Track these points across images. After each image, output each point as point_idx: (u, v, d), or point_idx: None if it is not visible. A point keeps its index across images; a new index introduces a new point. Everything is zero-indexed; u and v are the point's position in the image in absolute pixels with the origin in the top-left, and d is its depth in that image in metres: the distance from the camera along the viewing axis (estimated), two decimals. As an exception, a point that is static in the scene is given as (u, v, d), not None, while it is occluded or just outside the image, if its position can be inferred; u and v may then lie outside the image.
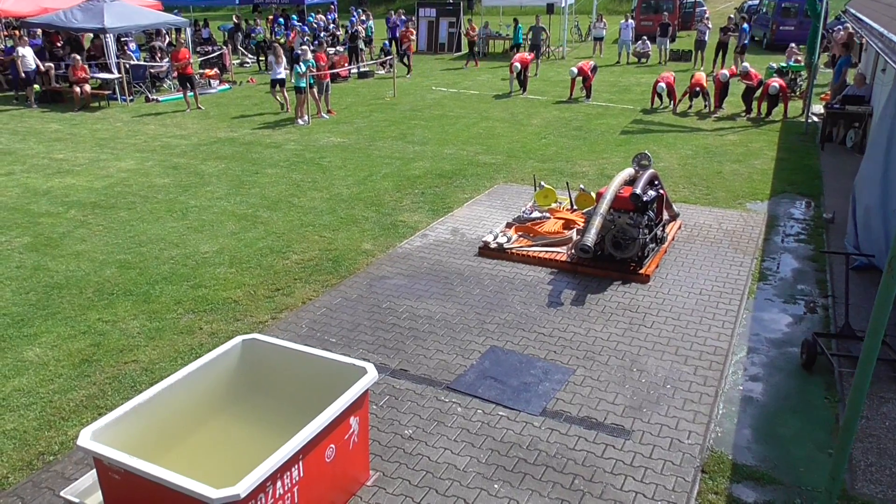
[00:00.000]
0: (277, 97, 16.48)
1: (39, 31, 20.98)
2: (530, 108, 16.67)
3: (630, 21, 24.23)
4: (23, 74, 17.62)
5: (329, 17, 26.69)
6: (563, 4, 25.31)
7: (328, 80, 16.47)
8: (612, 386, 5.53)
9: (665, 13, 25.74)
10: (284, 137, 14.06)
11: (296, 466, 3.73)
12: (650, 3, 29.34)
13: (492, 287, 7.33)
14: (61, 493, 4.11)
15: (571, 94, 17.52)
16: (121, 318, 6.72)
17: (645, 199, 7.34)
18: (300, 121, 15.18)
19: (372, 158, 12.33)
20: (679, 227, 8.70)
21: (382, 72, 22.21)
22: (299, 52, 15.73)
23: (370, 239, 8.65)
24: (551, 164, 11.73)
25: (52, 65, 18.89)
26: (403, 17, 24.80)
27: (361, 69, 22.11)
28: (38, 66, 18.05)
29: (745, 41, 20.47)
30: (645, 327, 6.44)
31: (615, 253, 7.44)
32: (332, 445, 4.04)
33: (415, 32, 23.60)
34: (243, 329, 6.42)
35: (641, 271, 7.41)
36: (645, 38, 24.26)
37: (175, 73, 17.81)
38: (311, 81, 15.23)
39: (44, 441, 5.01)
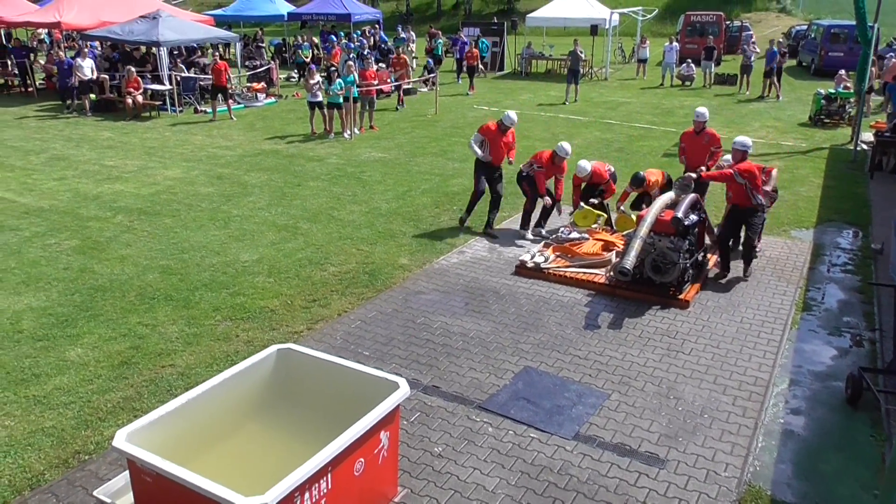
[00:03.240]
0: (313, 124, 16.02)
1: (98, 43, 21.72)
2: (572, 128, 16.61)
3: (675, 44, 24.05)
4: (77, 83, 18.21)
5: (373, 32, 27.03)
6: (606, 26, 25.26)
7: (373, 96, 16.64)
8: (648, 413, 5.42)
9: (710, 36, 25.48)
10: (327, 151, 14.24)
11: (325, 478, 3.73)
12: (695, 27, 29.10)
13: (527, 307, 7.27)
14: (94, 493, 4.17)
15: (558, 198, 9.35)
16: (160, 323, 6.84)
17: (686, 223, 7.23)
18: (346, 134, 15.36)
19: (411, 174, 12.39)
20: (721, 253, 8.53)
21: (425, 89, 22.38)
22: (342, 68, 15.93)
23: (407, 254, 8.67)
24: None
25: (106, 76, 19.49)
26: (465, 39, 24.90)
27: (405, 86, 22.30)
28: (94, 76, 18.66)
29: (774, 65, 20.11)
30: (683, 354, 6.31)
31: (654, 277, 7.32)
32: (362, 459, 4.03)
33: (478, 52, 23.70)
34: (279, 338, 6.47)
35: (681, 296, 7.27)
36: (689, 61, 24.04)
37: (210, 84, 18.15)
38: (356, 96, 15.42)
39: (80, 440, 5.10)
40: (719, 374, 5.97)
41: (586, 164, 9.16)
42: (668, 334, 6.68)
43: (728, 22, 32.99)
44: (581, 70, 21.07)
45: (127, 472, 3.99)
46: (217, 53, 18.34)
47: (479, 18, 43.92)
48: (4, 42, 22.88)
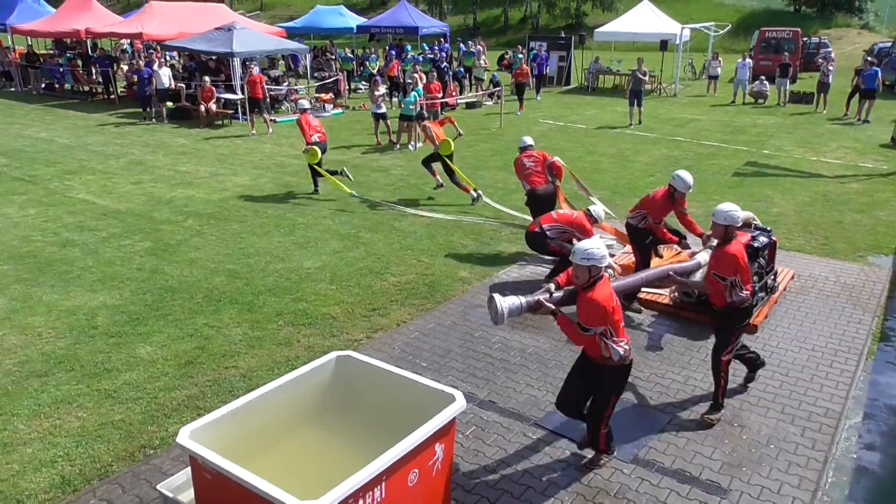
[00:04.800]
0: (378, 135, 16.29)
1: (175, 53, 22.63)
2: (638, 144, 16.36)
3: (748, 60, 23.41)
4: (155, 92, 19.01)
5: (440, 47, 27.28)
6: (677, 41, 24.83)
7: (438, 108, 16.78)
8: (710, 440, 5.25)
9: (786, 53, 24.72)
10: (391, 162, 14.41)
11: (379, 487, 3.74)
12: (770, 43, 28.30)
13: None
14: (158, 487, 4.29)
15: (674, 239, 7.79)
16: (225, 325, 7.02)
17: (756, 245, 7.00)
18: (410, 145, 15.53)
19: (478, 187, 12.39)
20: (792, 278, 8.23)
21: (490, 102, 22.44)
22: (409, 80, 16.13)
23: (467, 266, 8.68)
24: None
25: (183, 85, 20.27)
26: (544, 54, 24.80)
27: (469, 100, 22.43)
28: (171, 85, 19.45)
29: (875, 85, 19.20)
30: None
31: (721, 299, 7.09)
32: (416, 470, 4.02)
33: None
34: (338, 345, 6.55)
35: (749, 321, 7.02)
36: (763, 78, 23.36)
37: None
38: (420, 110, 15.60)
39: (146, 435, 5.27)
40: (787, 403, 5.74)
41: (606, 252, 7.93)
42: (734, 359, 6.45)
43: (805, 38, 31.99)
44: (644, 89, 19.95)
45: (189, 468, 4.10)
46: (254, 66, 18.74)
47: (546, 32, 43.89)
48: (90, 52, 24.07)
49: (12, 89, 25.12)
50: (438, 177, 12.02)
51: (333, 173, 11.85)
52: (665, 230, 7.41)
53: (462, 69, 25.17)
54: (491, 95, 22.63)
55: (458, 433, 5.19)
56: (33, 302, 7.51)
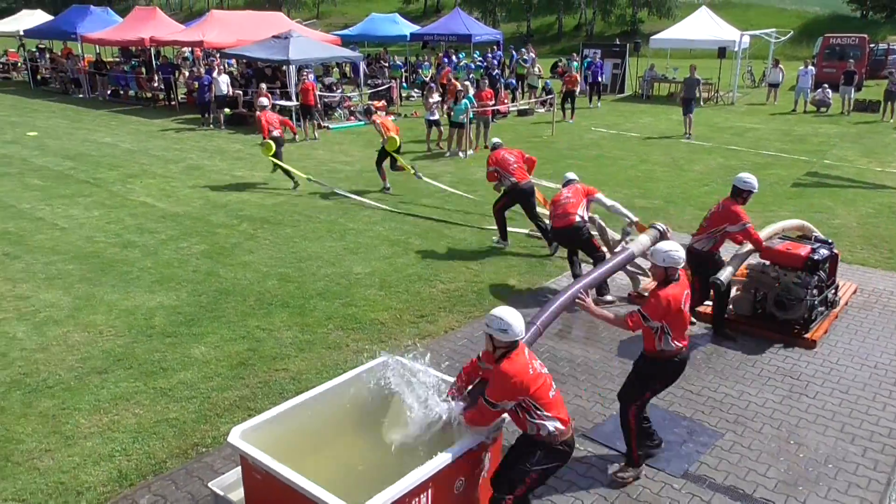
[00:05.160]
0: (429, 141, 16.50)
1: (234, 60, 23.23)
2: (693, 153, 16.05)
3: (811, 67, 22.73)
4: (214, 98, 19.53)
5: (493, 55, 27.30)
6: (735, 48, 24.29)
7: (489, 116, 16.78)
8: (765, 457, 5.09)
9: (851, 60, 23.92)
10: (441, 169, 14.47)
11: (425, 493, 3.74)
12: (835, 49, 27.47)
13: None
14: (209, 484, 4.39)
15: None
16: (276, 328, 7.15)
17: (816, 257, 6.78)
18: (461, 153, 15.57)
19: (524, 195, 12.34)
20: (854, 292, 7.94)
21: (542, 110, 22.33)
22: (460, 89, 16.19)
23: (516, 275, 8.64)
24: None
25: (240, 92, 20.77)
26: (599, 62, 24.51)
27: (521, 107, 22.38)
28: (229, 92, 19.95)
29: None
30: (807, 397, 5.90)
31: (778, 313, 6.90)
32: (462, 478, 4.02)
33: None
34: (386, 350, 6.58)
35: (807, 335, 6.81)
36: (825, 86, 22.64)
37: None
38: (473, 117, 15.62)
39: (199, 433, 5.39)
40: (847, 421, 5.53)
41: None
42: (791, 375, 6.26)
43: (872, 45, 30.92)
44: (697, 96, 18.88)
45: (239, 467, 4.19)
46: (309, 73, 19.05)
47: (600, 40, 43.50)
48: (154, 60, 24.91)
49: (81, 95, 26.14)
50: (387, 182, 12.67)
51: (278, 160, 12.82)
52: (757, 234, 6.81)
53: (514, 78, 25.13)
54: (543, 103, 22.53)
55: (505, 442, 5.15)
56: (95, 301, 7.79)
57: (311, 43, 21.21)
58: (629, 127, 19.65)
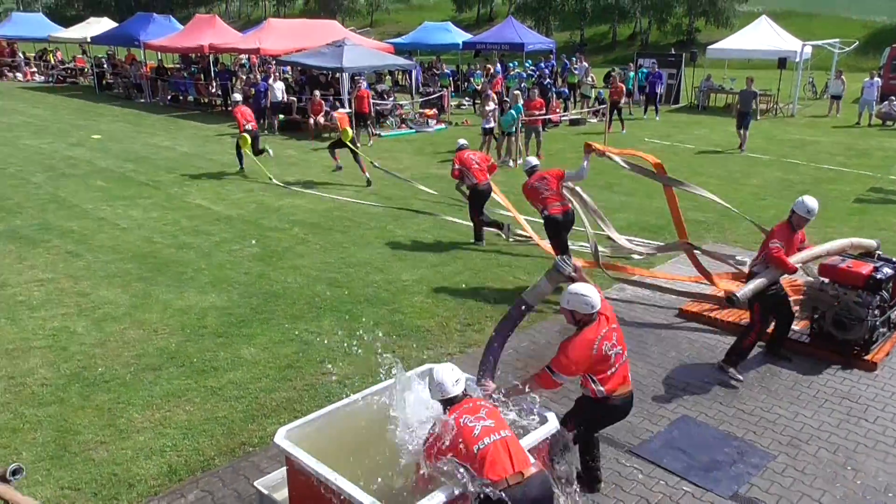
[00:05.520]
0: (485, 149, 16.53)
1: (289, 67, 23.68)
2: (750, 166, 15.66)
3: (876, 79, 21.95)
4: (269, 104, 19.94)
5: (545, 64, 27.20)
6: (797, 59, 23.66)
7: (540, 125, 16.71)
8: (820, 482, 4.91)
9: (920, 73, 23.04)
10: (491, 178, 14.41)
11: (467, 502, 3.72)
12: (903, 61, 26.44)
13: (689, 352, 6.90)
14: (255, 483, 4.46)
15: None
16: (324, 332, 7.23)
17: (879, 276, 6.53)
18: (511, 163, 15.53)
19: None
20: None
21: (594, 120, 22.13)
22: (507, 99, 16.20)
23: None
24: (769, 228, 10.85)
25: (294, 99, 21.16)
26: (658, 71, 24.12)
27: (572, 117, 22.23)
28: (283, 99, 20.35)
29: None
30: (866, 421, 5.68)
31: (836, 333, 6.66)
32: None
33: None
34: (432, 358, 6.60)
35: (867, 357, 6.56)
36: (892, 98, 21.84)
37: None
38: (521, 126, 15.58)
39: (246, 433, 5.49)
40: (910, 449, 5.30)
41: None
42: (849, 397, 6.04)
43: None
44: (753, 109, 18.00)
45: (285, 468, 4.24)
46: (362, 81, 19.27)
47: (655, 49, 42.93)
48: (212, 66, 25.60)
49: (142, 100, 27.01)
50: (339, 161, 14.78)
51: (260, 152, 14.58)
52: (783, 255, 6.29)
53: (566, 88, 24.97)
54: (595, 113, 22.33)
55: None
56: (151, 300, 8.01)
57: (364, 51, 21.49)
58: (683, 138, 19.31)
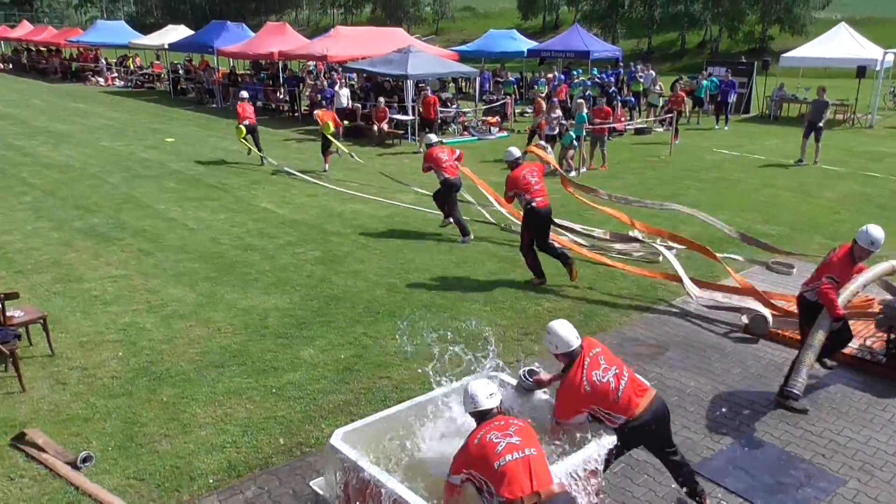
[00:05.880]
0: (546, 156, 16.48)
1: (355, 74, 24.08)
2: (824, 179, 15.07)
3: (964, 90, 20.82)
4: (334, 110, 20.29)
5: (611, 72, 26.85)
6: (877, 67, 22.66)
7: (604, 134, 16.48)
8: (895, 511, 4.67)
9: None
10: (551, 187, 14.29)
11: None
12: None
13: (755, 369, 6.67)
14: (310, 483, 4.52)
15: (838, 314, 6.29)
16: (382, 336, 7.29)
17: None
18: (573, 172, 15.37)
19: (638, 214, 11.99)
20: None
21: (661, 129, 21.70)
22: (574, 106, 16.05)
23: (626, 297, 8.40)
24: (843, 243, 10.40)
25: (359, 105, 21.49)
26: (732, 79, 23.47)
27: (637, 125, 21.85)
28: (348, 105, 20.69)
29: None
30: (947, 450, 5.37)
31: (916, 355, 6.33)
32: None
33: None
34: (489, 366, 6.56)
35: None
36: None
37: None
38: (582, 134, 15.42)
39: (304, 433, 5.58)
40: None
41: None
42: (929, 424, 5.72)
43: None
44: (824, 120, 16.66)
45: (340, 469, 4.28)
46: (427, 88, 19.40)
47: (726, 57, 41.82)
48: (281, 72, 26.26)
49: (214, 105, 27.89)
50: (328, 165, 15.75)
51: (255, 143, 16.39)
52: (834, 296, 5.86)
53: (632, 96, 24.57)
54: (662, 122, 21.88)
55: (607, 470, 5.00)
56: (216, 299, 8.25)
57: (428, 58, 21.65)
58: (753, 149, 18.74)
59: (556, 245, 9.01)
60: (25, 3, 76.14)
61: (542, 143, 9.43)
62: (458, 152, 11.31)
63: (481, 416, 3.82)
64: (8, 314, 6.57)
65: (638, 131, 21.60)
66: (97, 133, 20.55)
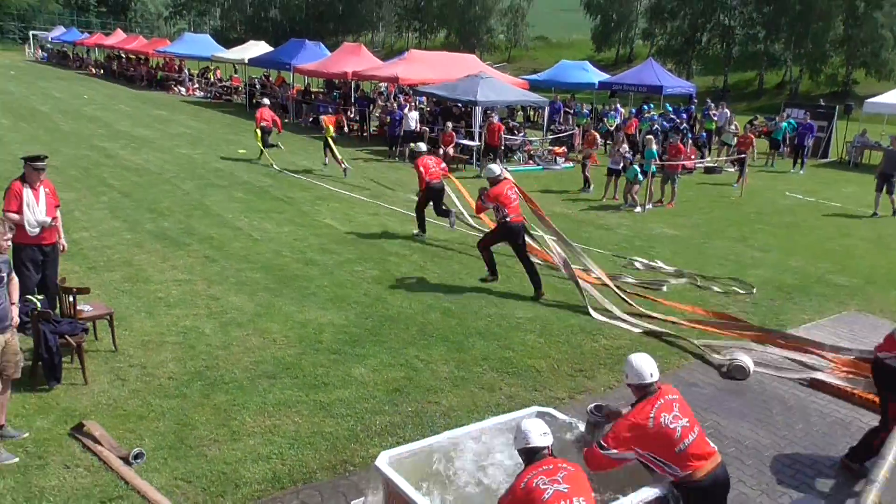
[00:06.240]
0: (607, 191, 16.34)
1: (424, 98, 24.40)
2: (904, 231, 14.40)
3: None
4: (402, 133, 20.59)
5: (684, 108, 26.42)
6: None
7: (675, 171, 16.17)
8: None
9: None
10: (617, 221, 14.12)
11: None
12: None
13: (820, 427, 6.35)
14: (352, 502, 4.50)
15: None
16: (433, 360, 7.26)
17: None
18: (638, 208, 15.13)
19: (704, 256, 11.72)
20: None
21: (732, 169, 21.18)
22: (643, 141, 15.85)
23: (693, 334, 8.14)
24: (922, 301, 9.89)
25: (427, 128, 21.72)
26: (811, 122, 22.85)
27: (708, 164, 21.39)
28: (417, 128, 20.94)
29: None
30: None
31: None
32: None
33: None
34: (540, 400, 6.45)
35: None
36: None
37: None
38: (653, 169, 15.17)
39: (349, 451, 5.57)
40: None
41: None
42: None
43: None
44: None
45: (382, 492, 4.25)
46: (494, 115, 19.44)
47: (805, 99, 40.67)
48: (353, 92, 26.84)
49: (286, 120, 28.64)
50: (327, 159, 17.91)
51: (270, 146, 18.62)
52: None
53: (704, 134, 24.11)
54: (734, 162, 21.35)
55: None
56: (274, 310, 8.38)
57: (499, 85, 21.75)
58: (830, 196, 18.08)
59: (534, 261, 9.86)
60: (121, 13, 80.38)
61: (492, 166, 9.50)
62: (443, 164, 12.66)
63: (530, 455, 3.72)
64: (78, 308, 6.83)
65: (708, 170, 21.15)
66: (175, 140, 21.36)
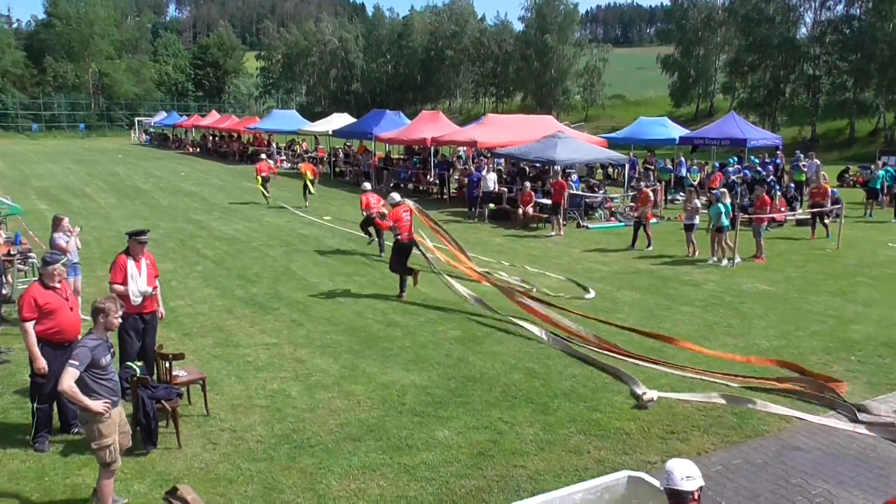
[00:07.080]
0: (689, 247, 15.79)
1: (502, 160, 24.68)
2: None
3: None
4: (481, 194, 20.81)
5: (770, 160, 25.62)
6: None
7: (762, 224, 15.59)
8: None
9: None
10: (703, 277, 13.65)
11: None
12: None
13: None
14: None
15: None
16: (518, 422, 7.09)
17: None
18: (724, 262, 14.60)
19: (800, 312, 11.12)
20: None
21: (827, 221, 20.21)
22: (718, 193, 15.45)
23: (787, 401, 7.67)
24: None
25: (505, 189, 21.89)
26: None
27: (799, 216, 20.50)
28: (495, 189, 21.13)
29: None
30: None
31: None
32: None
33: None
34: (630, 464, 6.17)
35: None
36: None
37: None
38: (726, 224, 14.69)
39: (434, 518, 5.44)
40: None
41: None
42: None
43: None
44: None
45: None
46: (570, 172, 19.36)
47: (901, 147, 38.75)
48: (433, 157, 27.46)
49: (368, 187, 29.53)
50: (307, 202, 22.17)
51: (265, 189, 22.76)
52: None
53: (793, 184, 23.22)
54: (829, 213, 20.40)
55: None
56: (358, 371, 8.45)
57: (577, 144, 21.80)
58: (933, 245, 16.94)
59: (409, 267, 12.08)
60: (216, 96, 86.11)
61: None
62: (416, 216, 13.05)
63: (673, 498, 3.60)
64: (174, 373, 7.10)
65: (800, 223, 20.26)
66: (263, 209, 22.33)
